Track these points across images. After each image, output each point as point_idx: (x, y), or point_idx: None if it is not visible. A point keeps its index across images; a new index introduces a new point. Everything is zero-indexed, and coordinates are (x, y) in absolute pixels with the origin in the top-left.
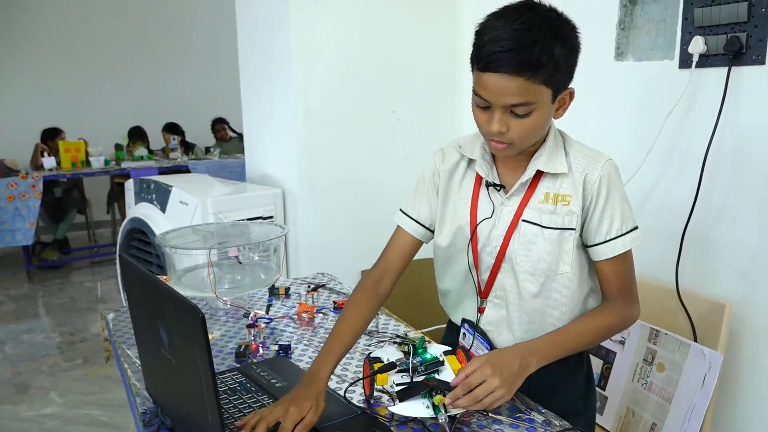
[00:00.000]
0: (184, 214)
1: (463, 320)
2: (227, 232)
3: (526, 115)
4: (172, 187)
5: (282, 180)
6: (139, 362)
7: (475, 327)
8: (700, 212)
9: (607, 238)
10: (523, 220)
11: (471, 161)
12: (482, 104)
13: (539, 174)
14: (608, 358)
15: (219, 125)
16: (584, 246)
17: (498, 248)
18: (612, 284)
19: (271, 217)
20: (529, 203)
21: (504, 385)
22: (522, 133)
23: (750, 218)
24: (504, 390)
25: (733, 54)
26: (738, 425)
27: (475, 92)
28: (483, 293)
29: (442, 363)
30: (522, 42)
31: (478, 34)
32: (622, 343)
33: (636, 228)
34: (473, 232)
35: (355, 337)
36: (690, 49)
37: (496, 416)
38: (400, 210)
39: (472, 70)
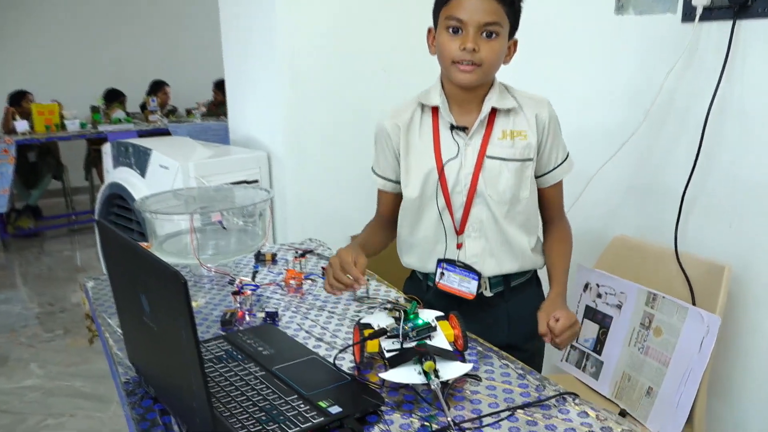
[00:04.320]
0: (165, 179)
1: (439, 261)
2: (210, 197)
3: (494, 39)
4: (151, 150)
5: (267, 142)
6: (120, 331)
7: (455, 263)
8: (701, 173)
9: (555, 166)
10: (488, 156)
11: (424, 109)
12: (455, 25)
13: (493, 114)
14: (604, 322)
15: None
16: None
17: (468, 186)
18: (556, 206)
19: (256, 181)
20: (490, 140)
21: (578, 322)
22: (490, 53)
23: (752, 179)
24: (578, 326)
25: (739, 7)
26: (735, 389)
27: (447, 18)
28: (459, 230)
29: (434, 328)
30: None
31: None
32: (619, 307)
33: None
34: (441, 172)
35: (376, 238)
36: (694, 2)
37: (489, 381)
38: (372, 170)
39: (443, 3)
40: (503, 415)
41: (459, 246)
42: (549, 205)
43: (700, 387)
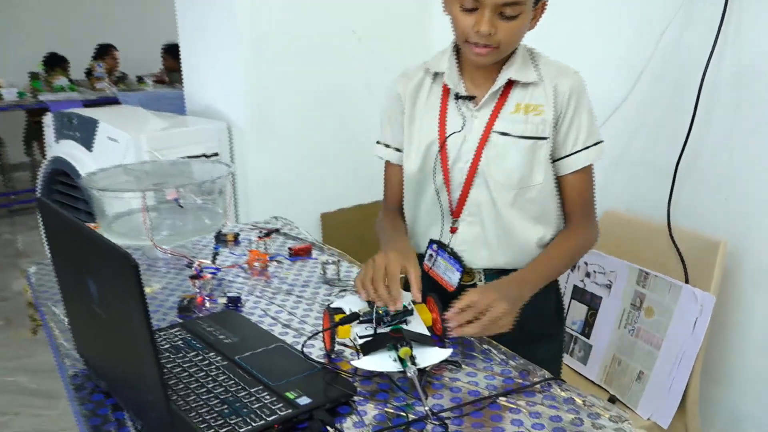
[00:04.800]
0: (114, 153)
1: (431, 241)
2: (165, 172)
3: (514, 18)
4: (99, 121)
5: (227, 112)
6: (67, 320)
7: (445, 248)
8: (695, 143)
9: (574, 150)
10: (495, 131)
11: (436, 77)
12: (469, 6)
13: (509, 85)
14: (593, 303)
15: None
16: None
17: (469, 163)
18: (575, 201)
19: (215, 155)
20: (500, 114)
21: (510, 313)
22: (509, 35)
23: (749, 149)
24: (510, 317)
25: None
26: (729, 372)
27: None
28: (455, 212)
29: (410, 312)
30: None
31: None
32: (609, 287)
33: (601, 142)
34: (442, 145)
35: (405, 231)
36: None
37: (469, 367)
38: (378, 143)
39: None
40: (485, 403)
41: (453, 230)
42: (566, 198)
43: (693, 370)
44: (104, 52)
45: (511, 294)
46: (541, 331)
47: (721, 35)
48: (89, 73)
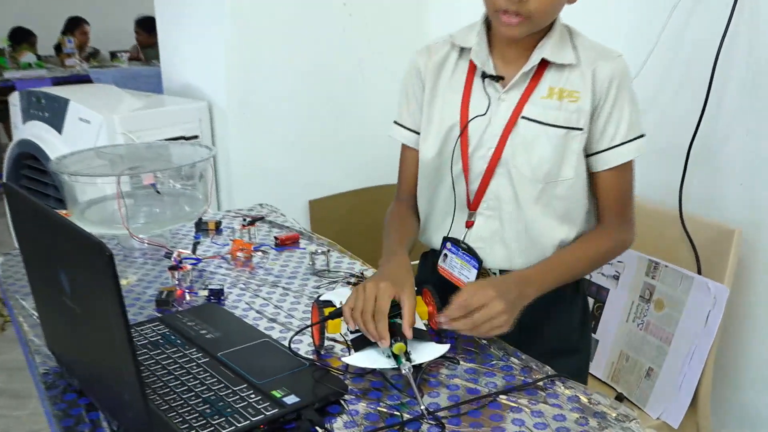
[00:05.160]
0: (86, 135)
1: (445, 239)
2: (141, 155)
3: None
4: (69, 100)
5: (208, 91)
6: (37, 315)
7: (460, 244)
8: (709, 123)
9: (612, 145)
10: (523, 117)
11: (462, 52)
12: None
13: (543, 66)
14: (600, 295)
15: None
16: (585, 155)
17: (492, 150)
18: (610, 200)
19: (195, 137)
20: (530, 98)
21: (506, 313)
22: (542, 3)
23: (766, 130)
24: (506, 318)
25: None
26: (743, 369)
27: None
28: (472, 204)
29: None
30: None
31: None
32: (616, 278)
33: (643, 135)
34: (463, 129)
35: (411, 229)
36: None
37: (468, 364)
38: (395, 123)
39: None
40: (484, 401)
41: (469, 224)
42: (600, 197)
43: (705, 366)
44: (74, 25)
45: (510, 293)
46: (562, 346)
47: (737, 10)
48: (58, 48)
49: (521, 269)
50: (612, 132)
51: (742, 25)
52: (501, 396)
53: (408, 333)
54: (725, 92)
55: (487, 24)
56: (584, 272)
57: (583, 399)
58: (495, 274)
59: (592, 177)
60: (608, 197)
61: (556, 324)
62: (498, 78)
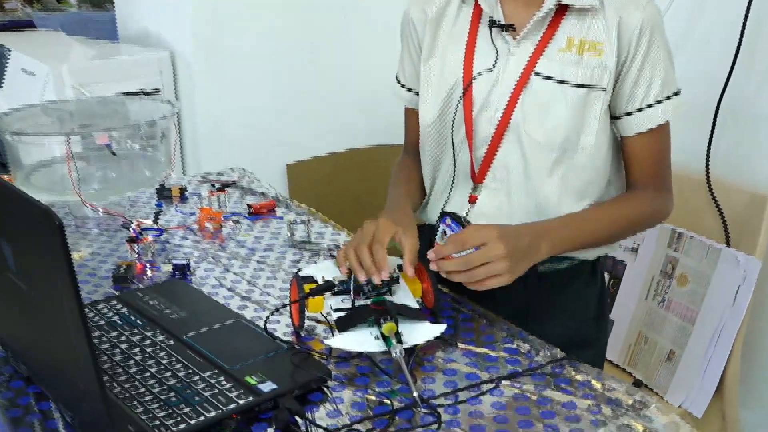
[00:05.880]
0: (31, 89)
1: (443, 214)
2: (93, 112)
3: None
4: (10, 49)
5: (170, 39)
6: None
7: (461, 221)
8: (740, 78)
9: (644, 105)
10: (537, 74)
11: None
12: None
13: (561, 13)
14: (616, 270)
15: None
16: (611, 117)
17: (500, 112)
18: (644, 168)
19: (156, 91)
20: (545, 51)
21: (508, 259)
22: None
23: None
24: (506, 265)
25: None
26: None
27: None
28: (477, 176)
29: (396, 281)
30: None
31: None
32: (635, 250)
33: (679, 92)
34: (467, 87)
35: (416, 184)
36: None
37: (467, 346)
38: (396, 80)
39: None
40: (485, 388)
41: (472, 199)
42: (633, 165)
43: (732, 349)
44: None
45: (517, 240)
46: (574, 339)
47: None
48: None
49: (542, 221)
50: (644, 90)
51: None
52: (504, 382)
53: (409, 271)
54: (758, 43)
55: None
56: (612, 238)
57: (596, 385)
58: None
59: (621, 143)
60: (641, 165)
61: (568, 314)
62: (508, 27)
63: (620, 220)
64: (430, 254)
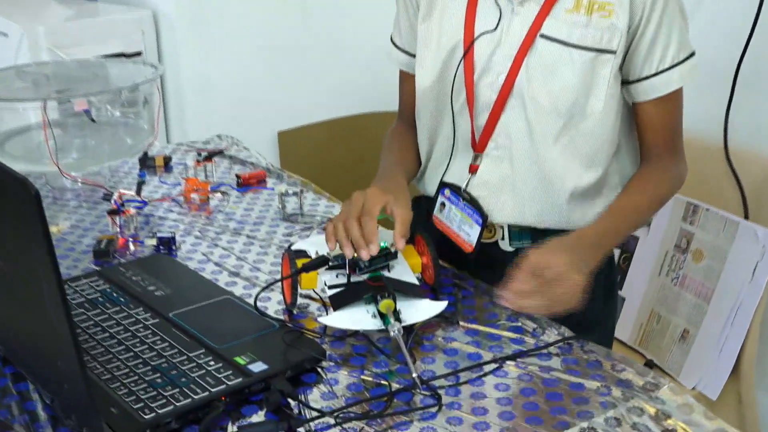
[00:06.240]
0: (4, 51)
1: (442, 185)
2: (72, 76)
3: None
4: None
5: None
6: None
7: (461, 193)
8: (760, 42)
9: (660, 69)
10: (542, 36)
11: None
12: None
13: None
14: (627, 245)
15: None
16: (623, 82)
17: (503, 76)
18: (658, 135)
19: (138, 54)
20: (552, 11)
21: (581, 285)
22: None
23: None
24: (577, 291)
25: None
26: None
27: None
28: (478, 145)
29: (394, 256)
30: None
31: None
32: (647, 224)
33: (693, 54)
34: (467, 49)
35: (410, 153)
36: None
37: (469, 325)
38: (391, 41)
39: None
40: (488, 368)
41: (473, 168)
42: (646, 131)
43: (750, 328)
44: None
45: (585, 260)
46: (581, 317)
47: None
48: None
49: (591, 228)
50: (660, 53)
51: None
52: (508, 362)
53: (400, 243)
54: None
55: None
56: (644, 222)
57: (606, 365)
58: (502, 228)
59: (633, 108)
60: (656, 132)
61: None
62: None
63: (652, 201)
64: (505, 294)
